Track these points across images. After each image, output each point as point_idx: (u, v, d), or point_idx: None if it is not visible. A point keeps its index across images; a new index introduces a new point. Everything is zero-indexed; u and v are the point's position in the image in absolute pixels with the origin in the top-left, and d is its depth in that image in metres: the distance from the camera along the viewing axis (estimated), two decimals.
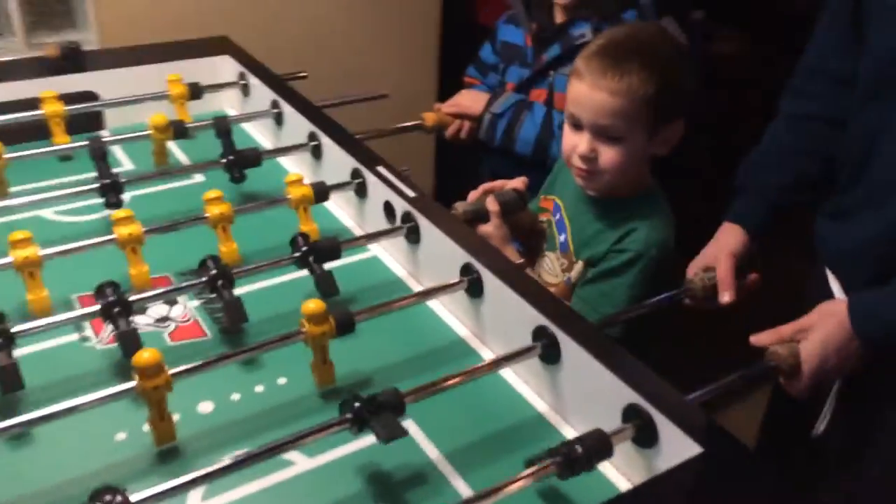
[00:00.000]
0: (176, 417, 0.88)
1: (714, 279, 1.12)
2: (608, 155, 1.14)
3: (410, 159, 2.02)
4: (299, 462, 0.86)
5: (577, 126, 1.16)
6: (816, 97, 1.10)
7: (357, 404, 0.78)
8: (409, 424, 0.91)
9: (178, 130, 1.36)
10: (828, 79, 1.08)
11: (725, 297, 1.10)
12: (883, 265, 0.96)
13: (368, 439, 0.86)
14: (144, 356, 0.80)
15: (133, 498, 0.70)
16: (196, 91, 1.48)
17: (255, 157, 1.30)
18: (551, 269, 1.25)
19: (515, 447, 0.88)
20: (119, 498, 0.67)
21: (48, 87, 1.41)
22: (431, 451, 0.88)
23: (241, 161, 1.28)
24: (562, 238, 1.25)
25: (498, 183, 1.25)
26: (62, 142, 1.33)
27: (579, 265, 1.21)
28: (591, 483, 0.81)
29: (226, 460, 0.76)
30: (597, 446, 0.78)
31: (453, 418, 0.92)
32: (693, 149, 1.45)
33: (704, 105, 2.08)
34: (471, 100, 1.60)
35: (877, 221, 0.96)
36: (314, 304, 0.90)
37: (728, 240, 1.15)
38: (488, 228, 1.19)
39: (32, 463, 0.84)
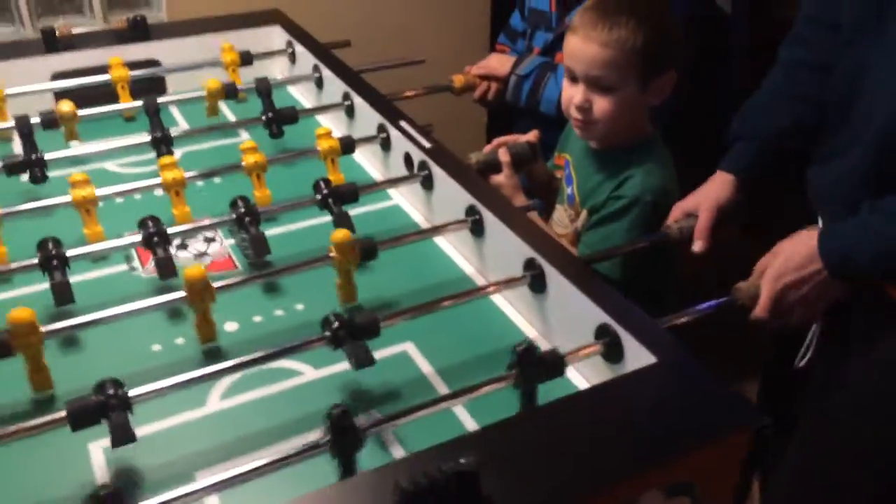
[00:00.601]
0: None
1: (691, 228, 1.16)
2: (601, 105, 1.20)
3: (467, 127, 2.11)
4: (307, 372, 0.98)
5: (574, 79, 1.22)
6: (813, 44, 1.13)
7: (336, 324, 0.87)
8: (408, 346, 1.02)
9: (228, 91, 1.49)
10: (824, 26, 1.10)
11: (697, 245, 1.14)
12: (859, 197, 0.98)
13: (376, 353, 0.96)
14: (191, 271, 0.95)
15: (157, 386, 0.82)
16: (246, 57, 1.61)
17: (291, 114, 1.41)
18: (560, 221, 1.32)
19: (502, 365, 0.96)
20: (120, 391, 0.79)
21: (117, 55, 1.57)
22: (425, 367, 0.98)
23: (279, 118, 1.40)
24: (569, 191, 1.32)
25: (511, 137, 1.33)
26: (126, 102, 1.48)
27: (584, 215, 1.27)
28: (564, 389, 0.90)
29: (239, 363, 0.88)
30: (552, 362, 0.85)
31: (449, 341, 1.02)
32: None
33: (749, 69, 2.08)
34: (498, 62, 1.67)
35: (857, 157, 0.99)
36: (342, 233, 1.02)
37: (714, 190, 1.18)
38: (500, 178, 1.27)
39: (79, 366, 0.97)
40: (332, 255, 1.02)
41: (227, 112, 1.60)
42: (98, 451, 0.86)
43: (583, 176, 1.30)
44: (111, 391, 0.79)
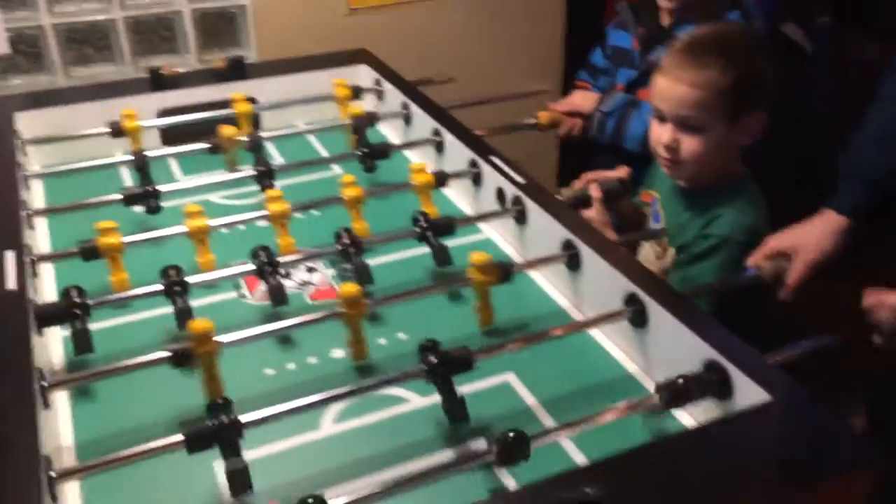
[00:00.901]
0: (313, 360, 1.06)
1: (784, 270, 1.14)
2: (689, 144, 1.22)
3: (534, 163, 2.15)
4: (413, 400, 1.01)
5: (661, 118, 1.24)
6: None
7: (433, 359, 0.91)
8: (509, 376, 1.04)
9: (372, 119, 1.59)
10: None
11: (785, 294, 1.13)
12: None
13: (475, 384, 1.00)
14: (349, 288, 1.01)
15: (274, 410, 0.87)
16: (356, 92, 1.68)
17: (384, 149, 1.47)
18: (647, 257, 1.33)
19: (605, 398, 0.98)
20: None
21: (217, 94, 1.65)
22: (528, 398, 1.00)
23: (373, 153, 1.45)
24: (656, 227, 1.33)
25: (601, 173, 1.36)
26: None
27: (671, 252, 1.29)
28: (671, 428, 0.91)
29: (349, 388, 0.91)
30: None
31: (550, 373, 1.04)
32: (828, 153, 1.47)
33: (838, 108, 2.08)
34: (581, 99, 1.70)
35: None
36: (481, 255, 1.07)
37: (818, 236, 1.15)
38: (591, 213, 1.30)
39: (195, 388, 1.02)
40: (471, 276, 1.07)
41: (318, 146, 1.67)
42: (223, 468, 0.90)
43: (671, 213, 1.32)
44: (224, 417, 0.83)
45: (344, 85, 1.68)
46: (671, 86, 1.22)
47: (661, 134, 1.25)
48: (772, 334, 1.12)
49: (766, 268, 1.17)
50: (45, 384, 0.88)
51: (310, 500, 0.71)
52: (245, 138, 1.53)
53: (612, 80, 1.75)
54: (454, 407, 0.91)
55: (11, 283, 1.01)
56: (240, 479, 0.82)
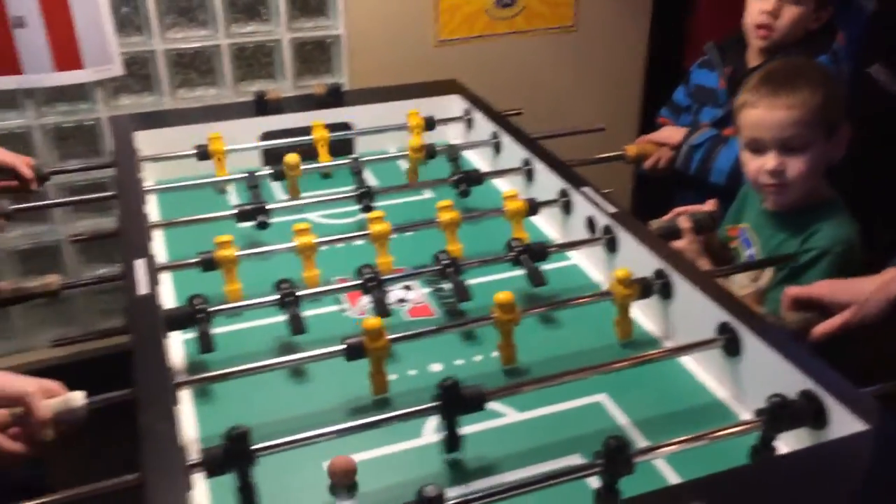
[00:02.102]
0: (413, 372, 1.12)
1: (810, 325, 1.09)
2: (794, 166, 1.27)
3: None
4: (510, 414, 1.05)
5: (759, 149, 1.29)
6: None
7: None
8: (601, 397, 1.08)
9: (429, 152, 1.63)
10: None
11: (816, 336, 1.09)
12: None
13: (573, 402, 1.05)
14: (501, 296, 1.08)
15: (377, 417, 0.93)
16: (430, 123, 1.75)
17: (478, 176, 1.53)
18: (740, 282, 1.36)
19: (695, 423, 1.01)
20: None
21: (315, 119, 1.75)
22: (621, 419, 1.04)
23: (467, 179, 1.52)
24: (749, 252, 1.36)
25: (690, 207, 1.39)
26: (326, 160, 1.65)
27: (768, 273, 1.31)
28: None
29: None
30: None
31: (641, 396, 1.07)
32: None
33: None
34: (669, 132, 1.74)
35: None
36: (624, 272, 1.15)
37: (874, 299, 1.06)
38: (682, 244, 1.33)
39: (305, 395, 1.09)
40: (612, 290, 1.15)
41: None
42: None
43: (765, 236, 1.35)
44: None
45: (418, 114, 1.76)
46: (767, 113, 1.28)
47: (763, 163, 1.29)
48: (866, 364, 1.13)
49: (792, 320, 1.11)
50: (176, 382, 0.96)
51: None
52: (335, 163, 1.62)
53: (695, 119, 1.78)
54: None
55: (143, 288, 1.10)
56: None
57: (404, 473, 0.96)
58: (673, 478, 0.93)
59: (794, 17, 1.60)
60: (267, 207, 1.40)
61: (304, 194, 1.58)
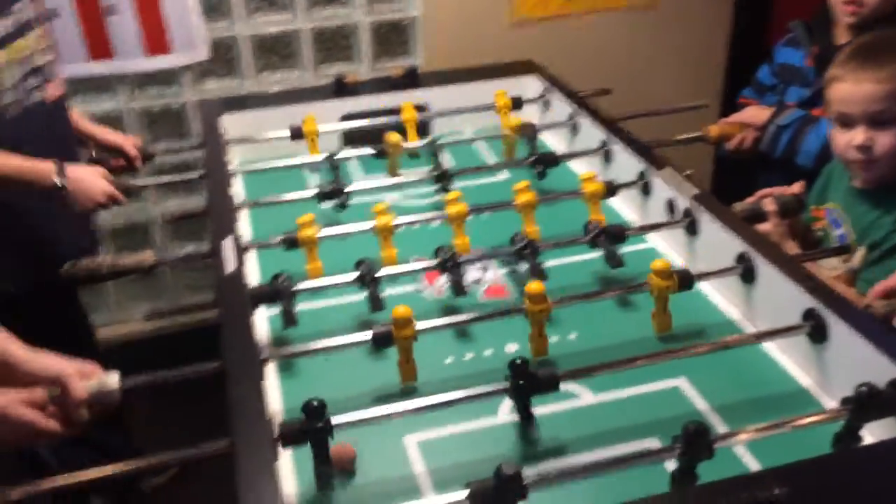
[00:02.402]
0: (488, 353, 1.14)
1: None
2: (884, 140, 1.23)
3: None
4: (583, 396, 1.06)
5: (847, 124, 1.25)
6: None
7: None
8: (680, 381, 1.07)
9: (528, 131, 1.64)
10: None
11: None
12: None
13: (650, 386, 1.04)
14: (534, 286, 1.07)
15: (455, 396, 0.94)
16: (517, 103, 1.75)
17: (555, 158, 1.53)
18: (830, 264, 1.32)
19: (777, 409, 0.99)
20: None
21: (392, 101, 1.77)
22: (700, 404, 1.03)
23: (544, 161, 1.51)
24: (839, 232, 1.32)
25: (776, 189, 1.35)
26: (414, 140, 1.67)
27: (861, 251, 1.26)
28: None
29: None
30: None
31: (721, 381, 1.06)
32: None
33: None
34: (754, 112, 1.69)
35: None
36: (663, 263, 1.11)
37: None
38: (767, 227, 1.30)
39: (382, 371, 1.12)
40: (651, 282, 1.12)
41: (484, 154, 1.75)
42: (413, 443, 0.98)
43: (855, 215, 1.31)
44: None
45: (505, 95, 1.75)
46: (855, 87, 1.24)
47: (851, 138, 1.25)
48: None
49: (880, 305, 1.07)
50: (263, 356, 1.00)
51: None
52: (419, 144, 1.63)
53: (780, 99, 1.72)
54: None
55: (231, 266, 1.14)
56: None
57: (479, 452, 0.97)
58: (753, 465, 0.92)
59: None
60: (346, 189, 1.43)
61: (380, 176, 1.61)
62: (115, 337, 2.30)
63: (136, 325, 2.43)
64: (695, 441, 0.80)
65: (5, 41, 1.47)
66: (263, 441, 0.83)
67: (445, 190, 1.47)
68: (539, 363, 1.09)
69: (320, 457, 0.88)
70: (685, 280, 1.12)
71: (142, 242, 2.35)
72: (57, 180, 1.44)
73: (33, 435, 0.92)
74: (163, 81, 2.18)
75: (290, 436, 0.86)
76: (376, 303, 1.15)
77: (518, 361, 0.93)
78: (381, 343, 1.03)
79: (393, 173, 1.60)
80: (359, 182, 1.53)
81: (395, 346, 1.04)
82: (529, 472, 0.83)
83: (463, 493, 0.78)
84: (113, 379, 0.94)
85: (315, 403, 0.87)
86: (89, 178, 1.50)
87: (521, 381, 0.93)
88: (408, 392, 1.06)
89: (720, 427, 0.98)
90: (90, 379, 0.94)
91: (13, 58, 1.48)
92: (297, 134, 1.66)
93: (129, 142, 1.69)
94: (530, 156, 1.54)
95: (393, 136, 1.58)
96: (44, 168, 1.46)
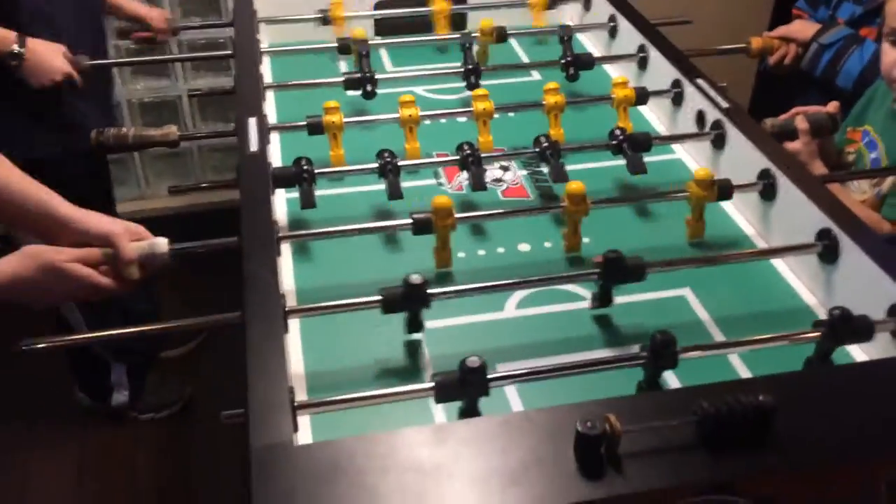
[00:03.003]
0: (501, 250, 1.15)
1: None
2: None
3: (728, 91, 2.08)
4: (589, 298, 1.07)
5: None
6: None
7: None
8: (685, 291, 1.08)
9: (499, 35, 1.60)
10: None
11: None
12: None
13: (652, 294, 1.06)
14: (574, 186, 1.09)
15: (461, 287, 0.96)
16: (552, 1, 1.70)
17: (589, 60, 1.49)
18: (858, 188, 1.30)
19: (778, 325, 1.00)
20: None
21: None
22: (702, 314, 1.04)
23: (577, 62, 1.48)
24: (873, 155, 1.30)
25: (811, 108, 1.32)
26: (443, 32, 1.64)
27: (892, 178, 1.25)
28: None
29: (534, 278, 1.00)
30: (862, 326, 0.89)
31: (726, 294, 1.07)
32: None
33: None
34: (800, 27, 1.63)
35: None
36: (704, 171, 1.12)
37: None
38: (796, 145, 1.28)
39: (395, 259, 1.14)
40: (690, 190, 1.13)
41: (521, 53, 1.71)
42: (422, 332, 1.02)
43: (890, 139, 1.28)
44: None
45: None
46: None
47: None
48: None
49: None
50: (279, 235, 1.03)
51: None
52: (449, 36, 1.60)
53: (832, 15, 1.65)
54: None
55: (254, 146, 1.15)
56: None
57: (482, 343, 1.00)
58: (745, 374, 0.94)
59: None
60: (375, 77, 1.42)
61: (412, 67, 1.59)
62: (138, 211, 2.36)
63: (159, 201, 2.48)
64: (661, 351, 0.82)
65: None
66: (273, 313, 0.87)
67: (474, 86, 1.45)
68: (570, 259, 1.13)
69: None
70: (724, 190, 1.13)
71: (169, 120, 2.37)
72: (15, 48, 1.44)
73: (91, 291, 0.96)
74: None
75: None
76: (394, 190, 1.16)
77: (611, 253, 0.98)
78: (420, 229, 1.05)
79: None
80: (389, 72, 1.52)
81: (434, 233, 1.07)
82: (503, 368, 0.86)
83: (430, 384, 0.82)
84: (163, 242, 0.98)
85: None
86: (48, 54, 1.49)
87: (610, 269, 0.97)
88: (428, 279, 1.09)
89: (718, 337, 1.00)
90: (140, 239, 0.98)
91: None
92: (325, 20, 1.64)
93: (157, 14, 1.68)
94: (563, 57, 1.50)
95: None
96: (6, 35, 1.46)
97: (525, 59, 1.68)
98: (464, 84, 1.48)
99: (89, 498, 1.88)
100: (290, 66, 1.60)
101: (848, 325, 0.87)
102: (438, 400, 0.84)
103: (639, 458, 0.70)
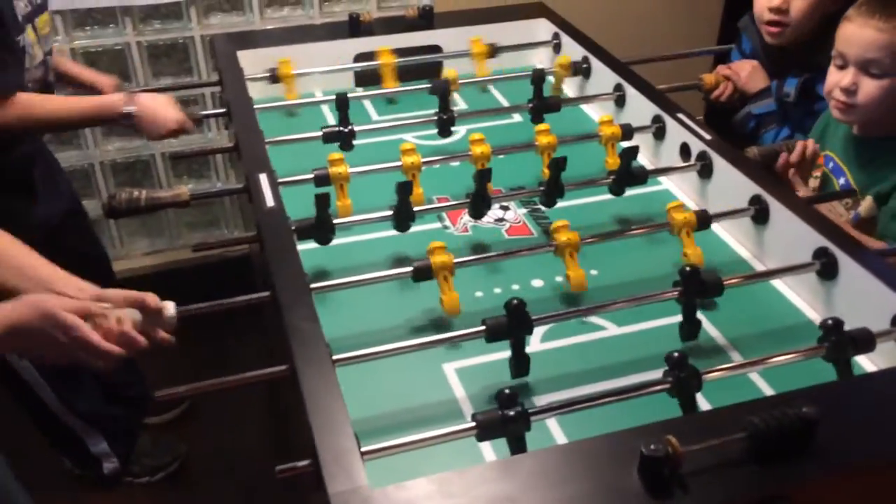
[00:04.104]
0: (516, 287, 1.20)
1: None
2: (868, 88, 1.28)
3: None
4: (610, 328, 1.12)
5: (842, 65, 1.30)
6: None
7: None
8: (698, 316, 1.14)
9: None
10: None
11: None
12: None
13: (668, 319, 1.11)
14: (557, 223, 1.16)
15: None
16: (493, 51, 1.78)
17: (556, 102, 1.57)
18: (832, 211, 1.38)
19: (788, 342, 1.06)
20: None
21: (403, 42, 1.78)
22: (715, 334, 1.10)
23: (544, 106, 1.55)
24: (841, 181, 1.38)
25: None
26: (391, 86, 1.72)
27: (868, 200, 1.33)
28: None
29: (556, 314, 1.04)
30: (863, 339, 0.95)
31: (736, 316, 1.13)
32: None
33: None
34: (748, 76, 1.68)
35: None
36: (676, 202, 1.21)
37: None
38: (782, 163, 1.36)
39: (411, 303, 1.17)
40: (669, 221, 1.20)
41: (498, 95, 1.78)
42: (451, 370, 1.05)
43: (856, 165, 1.37)
44: None
45: (481, 42, 1.78)
46: (858, 31, 1.29)
47: (840, 79, 1.30)
48: None
49: None
50: (310, 287, 1.05)
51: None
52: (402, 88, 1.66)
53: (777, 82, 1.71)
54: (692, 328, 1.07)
55: (270, 201, 1.18)
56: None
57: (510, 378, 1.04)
58: (770, 392, 1.00)
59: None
60: (353, 129, 1.45)
61: (391, 116, 1.64)
62: (117, 271, 2.33)
63: (135, 261, 2.45)
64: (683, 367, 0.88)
65: (30, 17, 1.47)
66: (324, 363, 0.89)
67: (448, 133, 1.50)
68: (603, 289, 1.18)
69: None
70: (703, 219, 1.19)
71: (142, 180, 2.36)
72: (125, 109, 1.47)
73: (80, 345, 0.92)
74: (169, 16, 2.16)
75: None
76: (403, 223, 1.21)
77: (689, 269, 1.03)
78: (420, 276, 1.08)
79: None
80: (369, 123, 1.56)
81: (435, 278, 1.09)
82: (538, 401, 0.90)
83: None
84: (170, 305, 0.98)
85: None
86: (160, 106, 1.52)
87: (691, 287, 1.03)
88: (441, 325, 1.12)
89: (734, 355, 1.06)
90: (144, 304, 0.98)
91: (42, 33, 1.50)
92: (274, 78, 1.68)
93: (106, 80, 1.69)
94: (531, 100, 1.56)
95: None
96: (114, 98, 1.51)
97: (504, 103, 1.75)
98: (455, 129, 1.53)
99: None
100: (273, 121, 1.62)
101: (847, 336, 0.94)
102: (480, 438, 0.86)
103: (698, 475, 0.75)
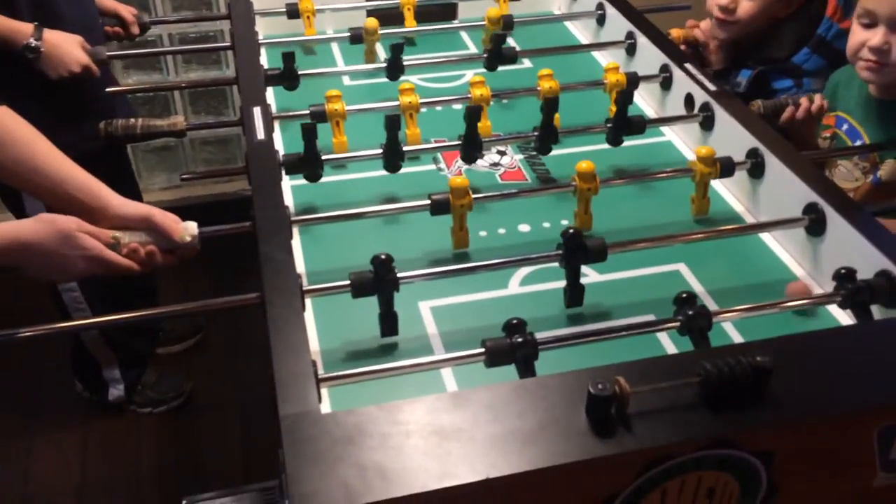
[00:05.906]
0: (502, 231, 1.20)
1: None
2: None
3: None
4: (591, 275, 1.12)
5: (870, 23, 1.24)
6: None
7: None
8: (680, 266, 1.13)
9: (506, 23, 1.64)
10: None
11: None
12: None
13: (649, 269, 1.10)
14: (584, 165, 1.14)
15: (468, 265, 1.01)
16: None
17: (512, 54, 1.53)
18: (848, 176, 1.35)
19: (769, 296, 1.05)
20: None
21: None
22: (696, 287, 1.09)
23: (500, 57, 1.52)
24: (857, 144, 1.34)
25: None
26: (410, 25, 1.69)
27: (890, 163, 1.29)
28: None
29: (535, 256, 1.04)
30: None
31: (718, 268, 1.12)
32: None
33: None
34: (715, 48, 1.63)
35: None
36: (706, 149, 1.18)
37: None
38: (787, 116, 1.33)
39: (398, 241, 1.18)
40: (695, 168, 1.18)
41: (511, 41, 1.75)
42: (426, 308, 1.06)
43: (873, 128, 1.32)
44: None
45: None
46: None
47: (867, 38, 1.24)
48: None
49: None
50: (291, 219, 1.06)
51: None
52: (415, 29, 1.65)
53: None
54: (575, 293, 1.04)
55: (261, 134, 1.19)
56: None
57: (488, 319, 1.04)
58: (738, 337, 0.99)
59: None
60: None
61: (409, 56, 1.62)
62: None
63: (153, 194, 2.49)
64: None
65: None
66: (292, 292, 0.91)
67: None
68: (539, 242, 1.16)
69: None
70: (727, 167, 1.18)
71: (163, 113, 2.39)
72: (32, 41, 1.45)
73: (97, 264, 0.97)
74: None
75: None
76: (394, 167, 1.21)
77: (571, 231, 1.00)
78: (438, 209, 1.10)
79: (370, 60, 1.61)
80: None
81: (451, 213, 1.11)
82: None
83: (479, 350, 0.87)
84: (193, 226, 1.01)
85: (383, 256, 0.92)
86: (66, 45, 1.50)
87: (573, 251, 1.00)
88: (422, 263, 1.13)
89: (711, 307, 1.05)
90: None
91: None
92: (293, 13, 1.67)
93: (125, 10, 1.70)
94: (486, 50, 1.53)
95: (371, 22, 1.58)
96: (22, 28, 1.47)
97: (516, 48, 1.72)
98: (461, 73, 1.52)
99: (91, 486, 1.90)
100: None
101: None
102: (489, 364, 0.88)
103: (646, 417, 0.75)
